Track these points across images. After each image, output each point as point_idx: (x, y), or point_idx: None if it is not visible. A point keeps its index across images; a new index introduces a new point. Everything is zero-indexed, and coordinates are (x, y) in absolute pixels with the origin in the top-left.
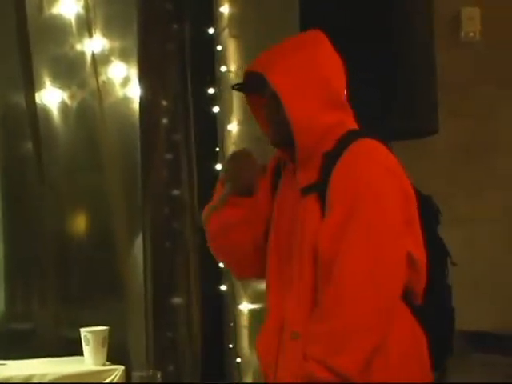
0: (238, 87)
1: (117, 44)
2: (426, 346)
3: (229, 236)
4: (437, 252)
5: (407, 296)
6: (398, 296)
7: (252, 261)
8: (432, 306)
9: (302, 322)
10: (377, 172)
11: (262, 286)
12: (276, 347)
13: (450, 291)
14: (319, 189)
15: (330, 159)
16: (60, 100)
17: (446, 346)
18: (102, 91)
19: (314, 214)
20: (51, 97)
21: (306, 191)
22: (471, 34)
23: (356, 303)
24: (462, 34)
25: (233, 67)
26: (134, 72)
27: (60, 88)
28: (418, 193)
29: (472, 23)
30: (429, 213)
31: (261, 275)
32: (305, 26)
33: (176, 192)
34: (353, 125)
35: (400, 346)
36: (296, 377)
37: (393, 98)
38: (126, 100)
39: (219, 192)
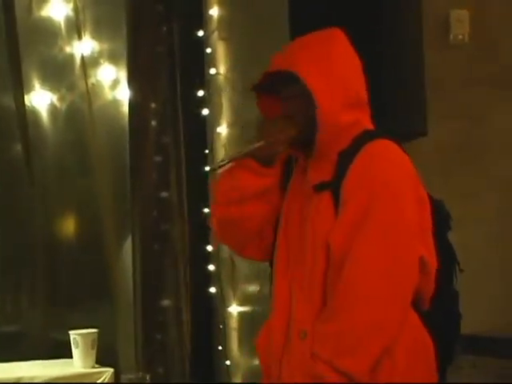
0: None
1: (106, 46)
2: (432, 351)
3: (243, 206)
4: (446, 257)
5: (415, 300)
6: (410, 298)
7: (253, 242)
8: (439, 312)
9: (311, 321)
10: (393, 173)
11: (251, 288)
12: (281, 346)
13: (457, 297)
14: (333, 186)
15: (345, 158)
16: (49, 102)
17: (451, 351)
18: (91, 94)
19: (326, 211)
20: (40, 99)
21: (318, 188)
22: (460, 37)
23: (368, 303)
24: (451, 36)
25: (222, 69)
26: (123, 74)
27: (49, 90)
28: (429, 197)
29: (461, 26)
30: (440, 217)
31: (261, 259)
32: (295, 27)
33: (165, 194)
34: (369, 124)
35: (407, 350)
36: (304, 377)
37: (380, 99)
38: (115, 102)
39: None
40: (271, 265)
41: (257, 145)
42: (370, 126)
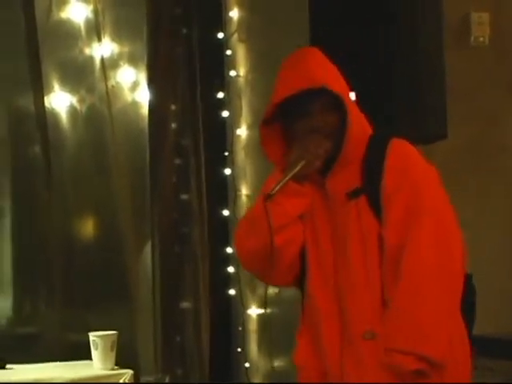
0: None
1: (126, 48)
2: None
3: (287, 231)
4: None
5: None
6: (462, 284)
7: (294, 266)
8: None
9: (376, 322)
10: (426, 168)
11: (270, 290)
12: (339, 351)
13: (474, 289)
14: (367, 191)
15: (371, 162)
16: (69, 104)
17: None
18: (110, 95)
19: (367, 214)
20: (60, 101)
21: (353, 195)
22: (481, 39)
23: (433, 294)
24: (472, 38)
25: (242, 72)
26: (142, 76)
27: (69, 92)
28: None
29: (481, 28)
30: None
31: (291, 283)
32: (315, 29)
33: (185, 197)
34: (369, 127)
35: (459, 342)
36: (383, 373)
37: (402, 102)
38: (135, 104)
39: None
40: (300, 284)
41: (301, 164)
42: (370, 129)
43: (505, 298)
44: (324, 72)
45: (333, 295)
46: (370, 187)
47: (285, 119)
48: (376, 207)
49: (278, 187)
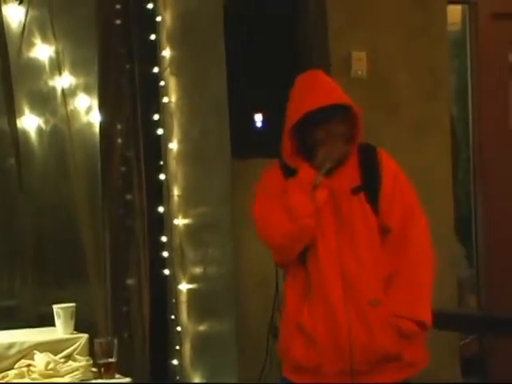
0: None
1: (81, 80)
2: None
3: (314, 215)
4: None
5: None
6: None
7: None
8: None
9: (380, 291)
10: (404, 174)
11: (197, 270)
12: (345, 315)
13: None
14: (367, 189)
15: (366, 166)
16: (36, 125)
17: None
18: (70, 118)
19: (368, 207)
20: (29, 122)
21: (356, 191)
22: (359, 72)
23: (426, 275)
24: (352, 71)
25: (173, 98)
26: (95, 102)
27: (36, 115)
28: None
29: (360, 64)
30: None
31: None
32: (230, 65)
33: (129, 197)
34: None
35: None
36: (393, 334)
37: None
38: (89, 125)
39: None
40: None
41: (330, 162)
42: None
43: None
44: (341, 91)
45: (338, 269)
46: (370, 186)
47: (303, 128)
48: (374, 202)
49: (319, 179)
